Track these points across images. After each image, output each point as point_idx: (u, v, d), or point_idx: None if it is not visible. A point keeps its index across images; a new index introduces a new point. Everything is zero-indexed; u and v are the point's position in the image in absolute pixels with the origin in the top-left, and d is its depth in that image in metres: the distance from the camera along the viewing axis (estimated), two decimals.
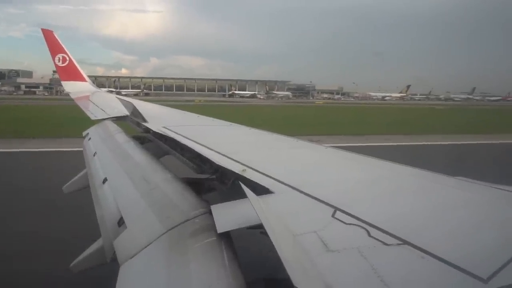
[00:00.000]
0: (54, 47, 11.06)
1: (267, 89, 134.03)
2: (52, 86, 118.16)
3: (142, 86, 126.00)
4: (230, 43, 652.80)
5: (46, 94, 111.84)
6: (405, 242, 1.28)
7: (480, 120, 39.34)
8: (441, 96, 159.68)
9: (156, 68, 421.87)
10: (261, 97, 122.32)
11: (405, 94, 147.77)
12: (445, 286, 1.08)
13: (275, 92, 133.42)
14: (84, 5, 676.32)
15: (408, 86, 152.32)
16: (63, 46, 11.20)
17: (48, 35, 11.06)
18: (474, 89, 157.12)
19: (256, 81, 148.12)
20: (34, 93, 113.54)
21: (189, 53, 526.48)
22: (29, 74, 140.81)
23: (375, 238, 1.32)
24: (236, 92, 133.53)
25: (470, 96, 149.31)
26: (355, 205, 1.67)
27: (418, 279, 1.11)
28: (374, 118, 40.71)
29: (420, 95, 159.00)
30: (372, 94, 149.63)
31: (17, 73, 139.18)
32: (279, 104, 79.23)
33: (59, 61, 11.07)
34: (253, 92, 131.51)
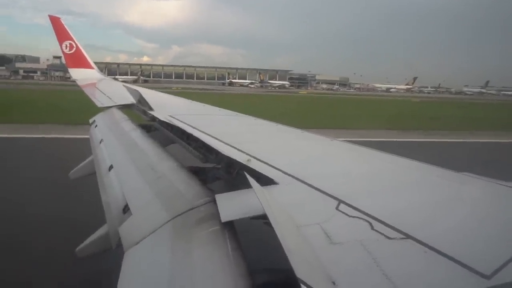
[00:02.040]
0: (62, 34, 11.03)
1: (262, 78, 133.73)
2: (46, 71, 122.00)
3: (139, 73, 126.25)
4: (251, 32, 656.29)
5: (42, 79, 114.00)
6: (408, 237, 1.28)
7: (479, 115, 37.98)
8: (452, 89, 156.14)
9: (177, 56, 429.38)
10: (252, 86, 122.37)
11: (411, 86, 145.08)
12: (448, 282, 1.08)
13: (270, 81, 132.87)
14: None
15: (415, 78, 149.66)
16: (70, 33, 11.17)
17: (55, 22, 11.03)
18: (487, 82, 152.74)
19: (257, 70, 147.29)
20: (32, 78, 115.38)
21: (210, 41, 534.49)
22: (36, 59, 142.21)
23: (378, 232, 1.33)
24: (233, 80, 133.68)
25: (484, 90, 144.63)
26: (359, 198, 1.67)
27: (420, 274, 1.12)
28: (333, 111, 37.49)
29: (431, 87, 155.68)
30: (377, 85, 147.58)
31: (23, 58, 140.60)
32: (257, 93, 77.79)
33: (66, 48, 11.06)
34: (251, 81, 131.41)
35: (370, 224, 1.39)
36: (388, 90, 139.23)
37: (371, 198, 1.73)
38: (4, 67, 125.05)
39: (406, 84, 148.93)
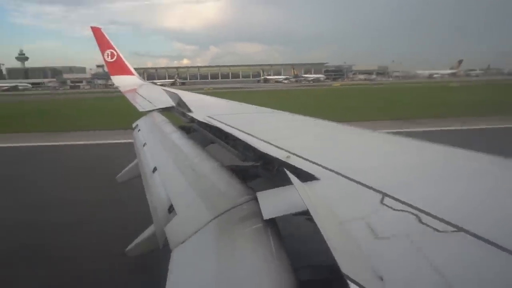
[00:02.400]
0: (103, 44, 11.63)
1: (295, 73, 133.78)
2: (91, 80, 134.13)
3: (175, 76, 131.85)
4: (287, 27, 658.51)
5: (87, 87, 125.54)
6: (459, 229, 1.21)
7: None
8: (504, 70, 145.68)
9: (214, 56, 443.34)
10: (286, 82, 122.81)
11: (456, 70, 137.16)
12: (505, 276, 1.02)
13: (305, 75, 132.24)
14: (148, 0, 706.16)
15: (460, 61, 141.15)
16: (111, 42, 11.74)
17: (97, 32, 11.64)
18: None
19: (292, 65, 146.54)
20: (78, 87, 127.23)
21: (247, 39, 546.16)
22: (82, 70, 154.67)
23: (426, 225, 1.26)
24: (268, 77, 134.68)
25: None
26: (404, 190, 1.61)
27: (475, 268, 1.05)
28: (342, 102, 36.53)
29: (479, 70, 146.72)
30: (419, 72, 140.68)
31: (71, 69, 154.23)
32: (286, 88, 78.17)
33: (108, 57, 11.64)
34: (286, 77, 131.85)
35: (418, 217, 1.33)
36: (431, 76, 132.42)
37: (418, 190, 1.66)
38: (54, 79, 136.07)
39: (451, 68, 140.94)
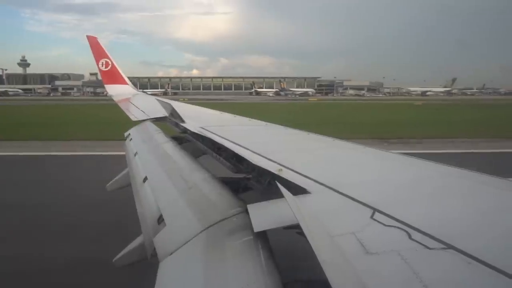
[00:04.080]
0: (98, 53, 11.60)
1: (282, 86, 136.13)
2: (80, 87, 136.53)
3: (166, 86, 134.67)
4: (298, 41, 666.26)
5: (76, 94, 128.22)
6: (449, 247, 1.21)
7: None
8: (501, 90, 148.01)
9: (225, 67, 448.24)
10: (270, 95, 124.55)
11: (450, 88, 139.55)
12: None
13: (292, 89, 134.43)
14: (159, 11, 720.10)
15: (454, 80, 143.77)
16: (106, 51, 11.74)
17: (92, 41, 11.62)
18: None
19: (284, 78, 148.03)
20: (70, 94, 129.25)
21: (257, 52, 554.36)
22: (80, 77, 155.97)
23: (416, 241, 1.27)
24: (258, 90, 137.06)
25: None
26: (395, 206, 1.61)
27: (465, 286, 1.06)
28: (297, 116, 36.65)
29: (476, 89, 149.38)
30: (412, 89, 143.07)
31: (68, 76, 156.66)
32: (263, 102, 78.95)
33: (102, 66, 11.62)
34: (276, 90, 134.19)
35: (408, 233, 1.33)
36: (424, 93, 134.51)
37: (408, 207, 1.66)
38: (44, 86, 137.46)
39: (445, 86, 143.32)
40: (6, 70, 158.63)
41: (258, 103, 65.27)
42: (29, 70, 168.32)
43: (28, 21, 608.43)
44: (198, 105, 8.38)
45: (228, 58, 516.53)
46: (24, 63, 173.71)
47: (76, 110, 47.45)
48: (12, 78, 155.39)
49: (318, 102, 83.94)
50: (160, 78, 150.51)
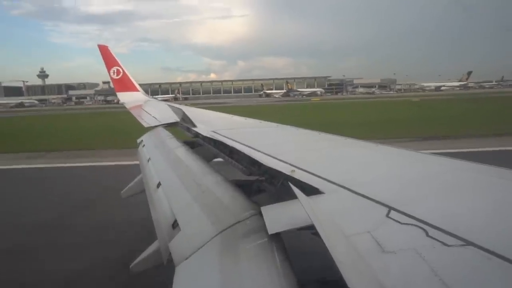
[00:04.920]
0: (109, 61, 11.78)
1: (289, 87, 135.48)
2: (93, 96, 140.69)
3: (176, 91, 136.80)
4: (315, 40, 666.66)
5: (89, 103, 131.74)
6: (468, 243, 1.19)
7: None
8: None
9: (242, 70, 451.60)
10: (277, 96, 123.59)
11: (465, 82, 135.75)
12: None
13: (300, 89, 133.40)
14: (177, 17, 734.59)
15: (469, 73, 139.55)
16: (117, 59, 11.91)
17: (103, 50, 11.81)
18: None
19: (294, 79, 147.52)
20: (83, 103, 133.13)
21: (274, 53, 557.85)
22: (95, 85, 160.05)
23: (434, 239, 1.24)
24: (267, 91, 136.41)
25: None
26: (411, 203, 1.59)
27: (485, 283, 1.03)
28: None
29: (496, 81, 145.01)
30: (425, 85, 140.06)
31: (84, 86, 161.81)
32: (266, 104, 77.83)
33: (114, 74, 11.78)
34: (284, 91, 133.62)
35: (425, 230, 1.31)
36: (438, 88, 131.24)
37: (424, 204, 1.64)
38: (58, 96, 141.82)
39: (460, 80, 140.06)
40: (27, 82, 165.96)
41: (253, 106, 64.70)
42: (50, 81, 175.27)
43: (50, 33, 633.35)
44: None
45: (245, 61, 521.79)
46: (43, 75, 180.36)
47: (73, 119, 48.75)
48: (32, 90, 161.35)
49: (319, 102, 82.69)
50: (170, 84, 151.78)
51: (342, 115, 39.28)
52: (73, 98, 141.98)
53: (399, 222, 1.42)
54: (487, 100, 56.09)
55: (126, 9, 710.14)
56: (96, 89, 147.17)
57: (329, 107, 58.92)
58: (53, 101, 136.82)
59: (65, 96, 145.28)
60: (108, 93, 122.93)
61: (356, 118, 32.67)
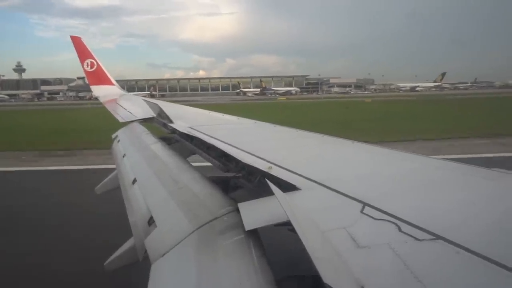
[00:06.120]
0: (83, 53, 11.35)
1: (263, 86, 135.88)
2: (65, 92, 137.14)
3: (151, 88, 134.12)
4: (304, 39, 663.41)
5: (62, 99, 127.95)
6: (438, 237, 1.24)
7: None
8: (495, 83, 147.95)
9: (231, 68, 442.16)
10: (250, 95, 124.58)
11: (439, 83, 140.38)
12: (482, 282, 1.04)
13: (274, 88, 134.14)
14: (164, 13, 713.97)
15: (443, 74, 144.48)
16: (91, 51, 11.50)
17: (76, 41, 11.35)
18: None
19: (272, 77, 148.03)
20: (55, 98, 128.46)
21: (263, 51, 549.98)
22: (71, 81, 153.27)
23: (406, 234, 1.29)
24: (243, 90, 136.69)
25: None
26: (384, 200, 1.64)
27: (454, 275, 1.07)
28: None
29: (471, 83, 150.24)
30: (401, 85, 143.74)
31: (60, 81, 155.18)
32: (234, 102, 78.54)
33: (87, 67, 11.37)
34: (259, 89, 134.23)
35: (398, 226, 1.35)
36: (413, 89, 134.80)
37: (397, 200, 1.69)
38: (28, 91, 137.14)
39: (434, 81, 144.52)
40: (3, 76, 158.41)
41: (219, 104, 64.22)
42: (31, 76, 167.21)
43: (36, 26, 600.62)
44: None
45: (234, 58, 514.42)
46: (19, 69, 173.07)
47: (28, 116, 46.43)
48: (6, 84, 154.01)
49: (284, 102, 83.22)
50: (147, 80, 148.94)
51: (277, 115, 39.18)
52: (45, 94, 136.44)
53: (373, 218, 1.46)
54: (441, 102, 57.75)
55: (113, 4, 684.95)
56: (70, 84, 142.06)
57: (281, 107, 59.54)
58: (22, 96, 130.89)
59: (37, 91, 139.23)
60: (81, 89, 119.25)
61: (278, 117, 32.98)
